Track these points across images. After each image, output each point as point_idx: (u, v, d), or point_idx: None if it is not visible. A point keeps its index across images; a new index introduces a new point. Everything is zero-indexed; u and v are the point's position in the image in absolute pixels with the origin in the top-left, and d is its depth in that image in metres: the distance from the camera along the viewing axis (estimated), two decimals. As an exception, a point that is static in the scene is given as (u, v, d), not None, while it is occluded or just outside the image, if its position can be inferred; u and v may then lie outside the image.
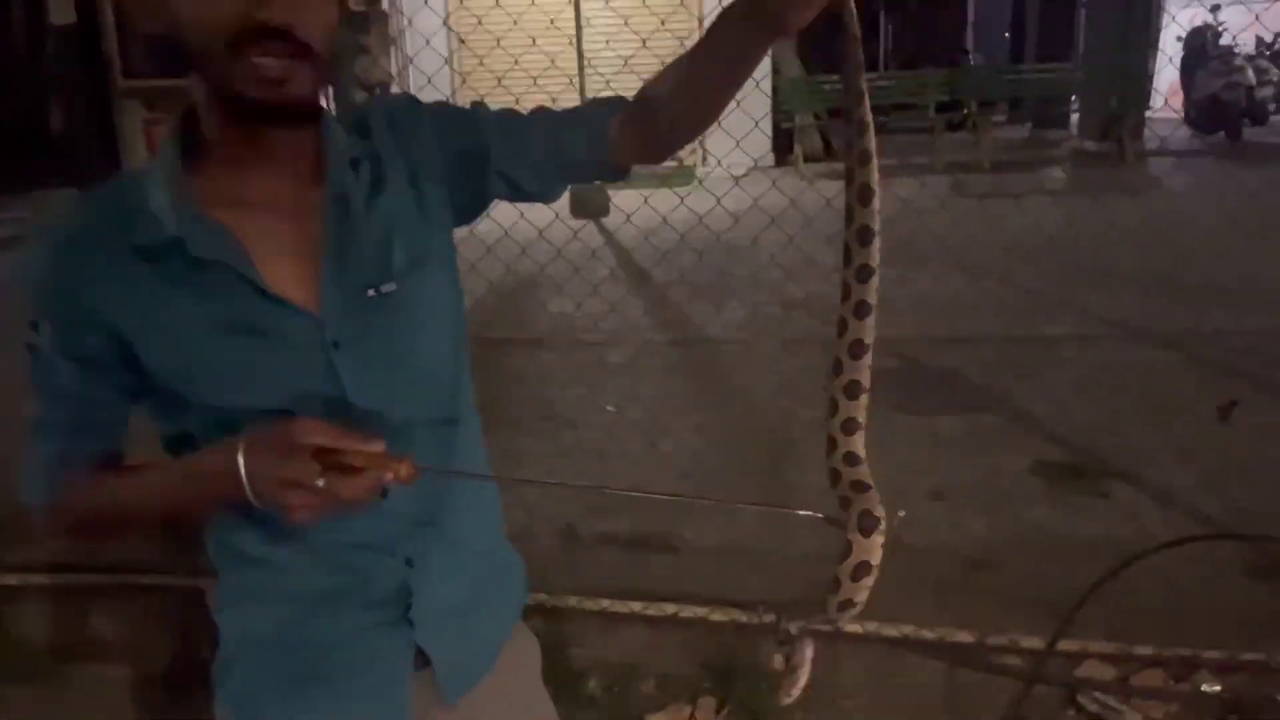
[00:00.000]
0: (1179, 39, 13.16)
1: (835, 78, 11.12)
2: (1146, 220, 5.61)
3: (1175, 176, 9.28)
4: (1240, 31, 12.54)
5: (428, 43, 2.50)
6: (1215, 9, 12.22)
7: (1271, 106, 13.25)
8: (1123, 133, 10.17)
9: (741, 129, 3.62)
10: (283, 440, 0.83)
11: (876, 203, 0.91)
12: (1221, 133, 12.10)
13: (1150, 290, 5.29)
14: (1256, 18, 11.18)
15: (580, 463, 3.53)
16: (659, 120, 1.01)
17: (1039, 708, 2.22)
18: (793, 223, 4.51)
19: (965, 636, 2.44)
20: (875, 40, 19.00)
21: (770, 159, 10.81)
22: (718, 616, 2.57)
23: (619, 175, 1.07)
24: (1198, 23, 13.02)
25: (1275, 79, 13.66)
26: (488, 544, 1.13)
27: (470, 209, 1.07)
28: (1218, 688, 2.26)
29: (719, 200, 4.01)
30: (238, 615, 1.04)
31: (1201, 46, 12.81)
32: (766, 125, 9.71)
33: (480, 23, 3.02)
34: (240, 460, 0.84)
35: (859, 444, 0.96)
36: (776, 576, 2.69)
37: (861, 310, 0.92)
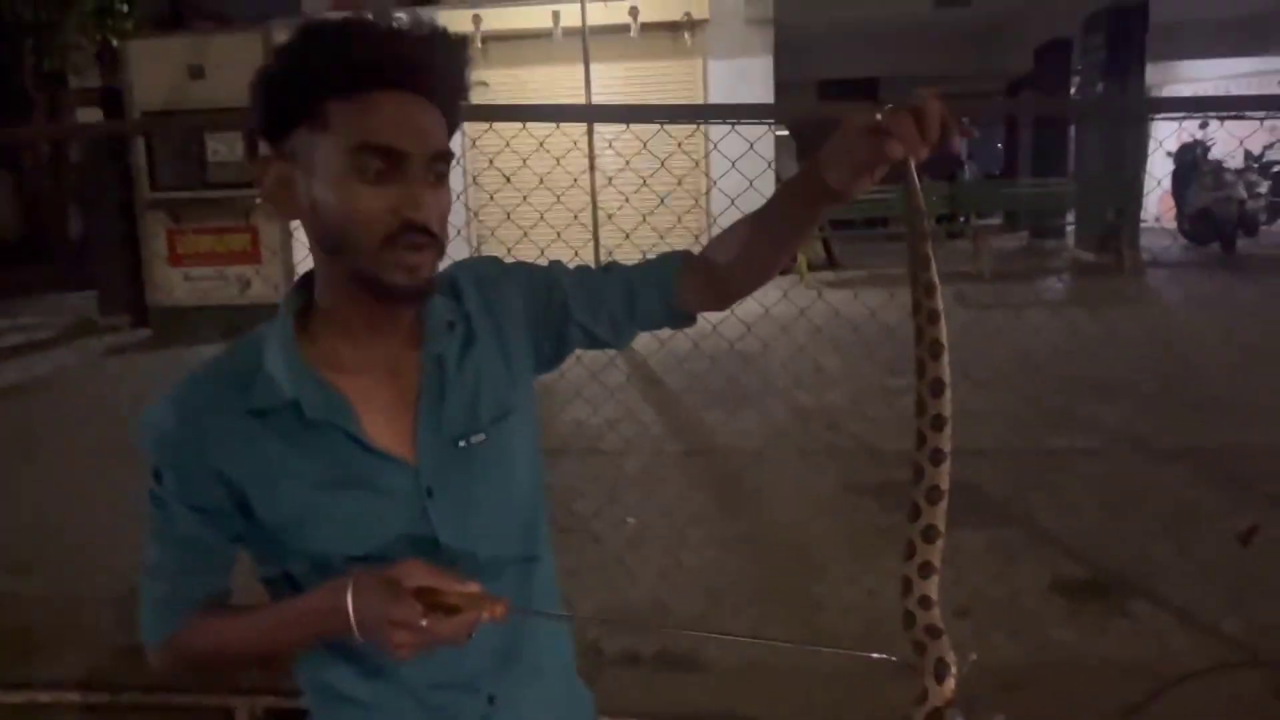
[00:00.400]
0: (1168, 154, 13.59)
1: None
2: (1148, 332, 5.72)
3: (1172, 288, 9.47)
4: (1228, 147, 12.97)
5: (458, 196, 2.60)
6: (1204, 125, 12.60)
7: (1262, 218, 13.61)
8: (1120, 244, 10.40)
9: None
10: (390, 582, 0.89)
11: (947, 357, 0.97)
12: (1215, 244, 12.38)
13: (1155, 403, 5.35)
14: (1240, 143, 11.54)
15: (609, 577, 3.52)
16: (725, 274, 1.12)
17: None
18: (802, 331, 4.60)
19: (996, 761, 2.42)
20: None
21: (776, 268, 11.04)
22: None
23: (687, 322, 1.17)
24: (1186, 139, 13.47)
25: (1265, 191, 14.05)
26: (563, 679, 1.16)
27: (552, 359, 1.16)
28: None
29: (732, 309, 4.10)
30: None
31: (1193, 161, 13.21)
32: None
33: (510, 180, 3.19)
34: (349, 600, 0.90)
35: (933, 588, 1.00)
36: (804, 694, 2.67)
37: (937, 457, 0.97)
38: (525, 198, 3.60)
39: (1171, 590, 3.23)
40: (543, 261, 1.19)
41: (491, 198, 3.56)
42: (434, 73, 0.95)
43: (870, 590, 3.34)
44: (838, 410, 5.53)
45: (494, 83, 8.89)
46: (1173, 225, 13.72)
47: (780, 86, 10.87)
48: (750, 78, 10.39)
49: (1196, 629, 2.97)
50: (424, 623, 0.88)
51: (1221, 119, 2.27)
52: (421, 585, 0.89)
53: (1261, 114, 2.49)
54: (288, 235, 8.03)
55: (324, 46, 0.92)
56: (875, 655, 1.02)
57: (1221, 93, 17.26)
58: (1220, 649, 2.81)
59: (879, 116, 0.92)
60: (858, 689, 2.60)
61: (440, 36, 0.96)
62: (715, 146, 2.92)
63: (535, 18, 9.47)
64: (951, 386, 0.98)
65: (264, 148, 0.99)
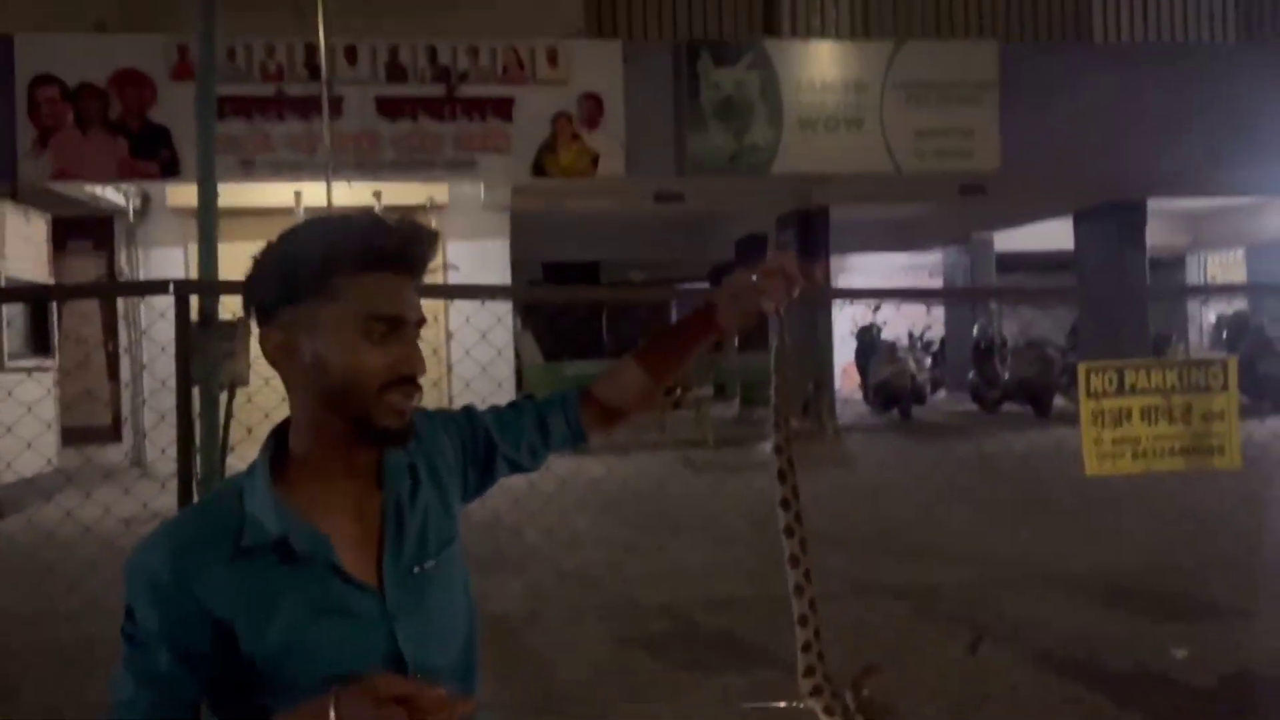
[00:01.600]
0: (852, 334, 15.58)
1: (573, 363, 12.16)
2: (856, 487, 6.53)
3: (868, 449, 10.72)
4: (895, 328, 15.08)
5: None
6: (876, 309, 14.62)
7: (928, 388, 15.77)
8: (821, 410, 11.69)
9: None
10: (371, 693, 1.03)
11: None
12: (894, 411, 14.17)
13: (873, 549, 6.09)
14: (909, 326, 13.49)
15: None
16: (618, 401, 1.46)
17: None
18: (536, 500, 4.89)
19: None
20: (599, 328, 20.75)
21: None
22: None
23: (584, 442, 1.49)
24: (862, 321, 15.57)
25: (928, 366, 16.34)
26: None
27: (479, 488, 1.40)
28: None
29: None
30: None
31: (871, 341, 15.22)
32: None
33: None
34: (331, 715, 1.02)
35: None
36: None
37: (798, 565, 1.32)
38: None
39: (906, 705, 3.72)
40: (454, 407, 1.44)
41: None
42: (420, 259, 1.20)
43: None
44: (598, 569, 5.82)
45: (236, 257, 8.80)
46: (855, 395, 15.60)
47: (514, 265, 11.55)
48: (489, 259, 10.98)
49: (932, 739, 3.44)
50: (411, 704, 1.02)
51: (930, 300, 2.89)
52: (400, 694, 1.03)
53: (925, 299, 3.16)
54: None
55: (341, 236, 1.15)
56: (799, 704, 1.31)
57: (886, 279, 20.11)
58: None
59: (754, 279, 1.32)
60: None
61: (425, 231, 1.21)
62: (450, 337, 3.24)
63: (278, 195, 9.57)
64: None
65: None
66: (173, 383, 3.51)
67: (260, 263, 1.17)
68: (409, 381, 1.17)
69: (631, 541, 6.41)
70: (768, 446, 1.42)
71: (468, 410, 1.40)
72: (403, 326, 1.17)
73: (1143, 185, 12.88)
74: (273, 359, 1.17)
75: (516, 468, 1.42)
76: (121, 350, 10.63)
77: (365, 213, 1.20)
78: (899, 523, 6.53)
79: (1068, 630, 4.54)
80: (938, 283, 18.51)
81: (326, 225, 1.18)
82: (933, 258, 18.63)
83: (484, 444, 1.37)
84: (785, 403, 1.39)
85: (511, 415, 1.42)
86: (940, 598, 5.14)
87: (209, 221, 2.56)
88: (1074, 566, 5.57)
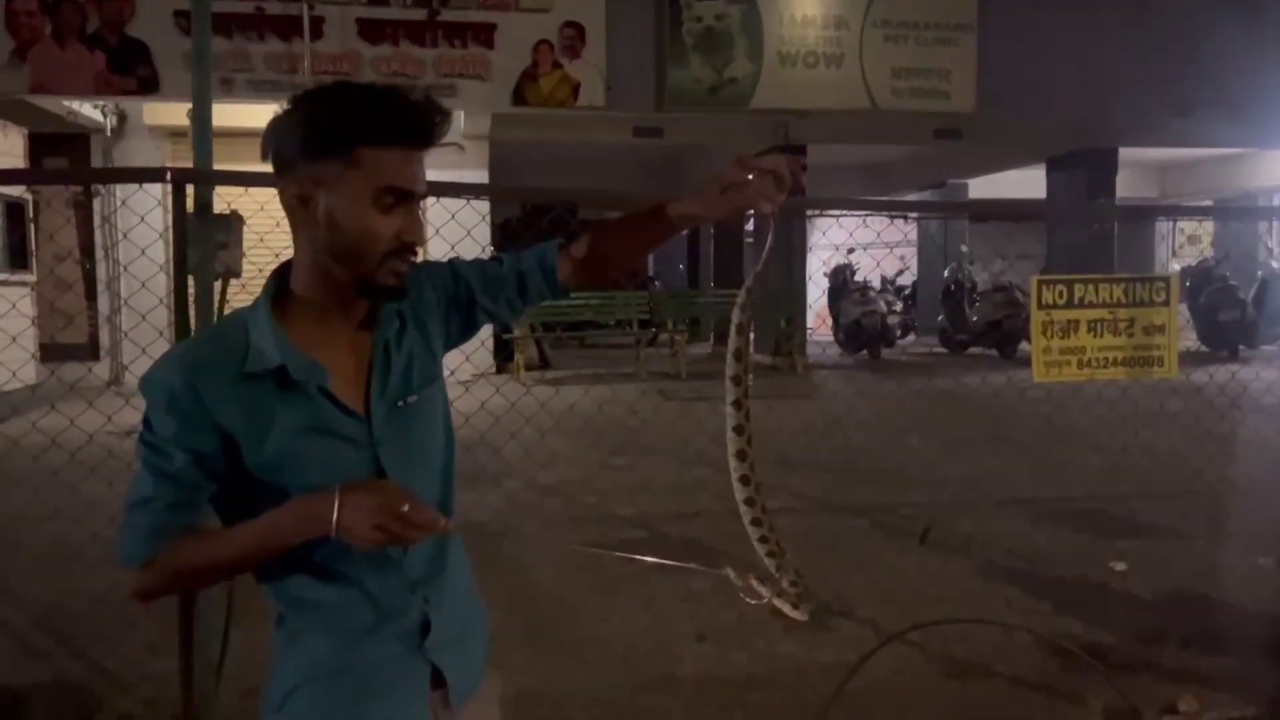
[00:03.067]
0: (824, 275, 15.73)
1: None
2: (822, 418, 6.74)
3: (836, 385, 10.96)
4: (870, 270, 15.27)
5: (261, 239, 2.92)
6: (850, 251, 14.75)
7: (898, 331, 16.01)
8: (792, 348, 11.91)
9: (469, 345, 4.19)
10: (380, 498, 1.20)
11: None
12: (864, 351, 14.41)
13: (835, 473, 6.33)
14: (879, 264, 13.67)
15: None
16: (592, 261, 1.51)
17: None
18: (516, 422, 5.03)
19: (747, 741, 2.93)
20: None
21: (493, 367, 11.55)
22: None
23: (563, 295, 1.56)
24: (836, 263, 15.70)
25: (899, 309, 16.55)
26: (467, 590, 1.49)
27: (462, 337, 1.53)
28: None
29: (452, 403, 4.49)
30: (302, 648, 1.34)
31: (844, 282, 15.38)
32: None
33: (279, 224, 3.44)
34: (335, 502, 1.19)
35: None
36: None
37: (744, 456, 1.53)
38: (277, 255, 3.83)
39: (861, 609, 3.96)
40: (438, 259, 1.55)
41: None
42: (435, 134, 1.31)
43: (618, 626, 3.80)
44: (571, 485, 6.02)
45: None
46: (827, 336, 15.82)
47: (491, 201, 11.54)
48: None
49: (881, 633, 3.67)
50: (406, 507, 1.18)
51: (893, 217, 3.04)
52: (399, 500, 1.20)
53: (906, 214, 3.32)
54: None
55: (370, 107, 1.25)
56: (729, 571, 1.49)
57: (860, 224, 20.20)
58: (902, 648, 3.52)
59: (750, 177, 1.36)
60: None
61: (442, 108, 1.32)
62: (438, 231, 3.35)
63: (255, 116, 9.50)
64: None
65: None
66: (153, 284, 3.62)
67: (287, 115, 1.28)
68: (410, 249, 1.30)
69: (604, 461, 6.62)
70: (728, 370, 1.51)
71: (451, 264, 1.51)
72: (410, 199, 1.29)
73: (1114, 134, 13.05)
74: (288, 208, 1.30)
75: (494, 319, 1.54)
76: (100, 255, 10.59)
77: (389, 86, 1.29)
78: (860, 450, 6.77)
79: (1014, 546, 4.80)
80: (912, 230, 18.67)
81: (354, 92, 1.27)
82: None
83: (466, 297, 1.48)
84: (746, 336, 1.48)
85: (493, 270, 1.51)
86: (896, 515, 5.39)
87: (204, 109, 2.64)
88: (1024, 492, 5.84)
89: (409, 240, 1.29)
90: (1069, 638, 3.59)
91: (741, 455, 1.53)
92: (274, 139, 1.29)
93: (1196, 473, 4.98)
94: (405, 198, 1.28)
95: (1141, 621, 3.86)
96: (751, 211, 1.41)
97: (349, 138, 1.24)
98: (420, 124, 1.28)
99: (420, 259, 1.39)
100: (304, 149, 1.26)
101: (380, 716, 1.34)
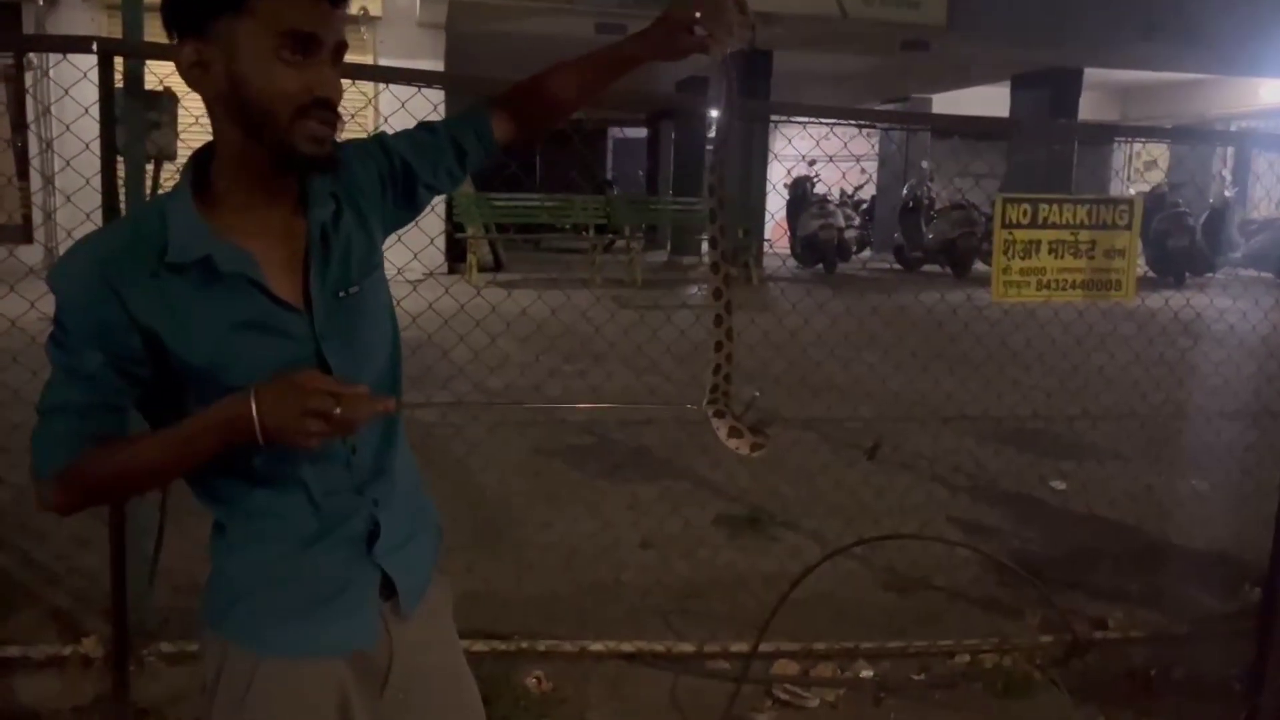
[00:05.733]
0: (784, 186, 15.58)
1: (505, 196, 11.99)
2: (773, 331, 6.70)
3: (791, 297, 10.93)
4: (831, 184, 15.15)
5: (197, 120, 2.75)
6: (813, 163, 14.62)
7: (855, 247, 16.00)
8: (749, 259, 11.84)
9: (418, 242, 4.03)
10: (296, 384, 1.08)
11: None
12: (819, 266, 14.40)
13: (785, 385, 6.33)
14: (844, 175, 13.55)
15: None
16: (536, 108, 1.44)
17: (746, 705, 2.74)
18: (466, 325, 4.92)
19: (687, 647, 2.94)
20: (531, 168, 20.38)
21: (445, 268, 11.32)
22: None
23: (499, 154, 1.47)
24: (797, 174, 15.54)
25: (857, 224, 16.52)
26: (415, 488, 1.41)
27: (403, 218, 1.41)
28: (871, 672, 2.93)
29: (399, 303, 4.37)
30: (243, 558, 1.25)
31: (803, 194, 15.26)
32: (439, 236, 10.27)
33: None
34: (253, 405, 1.08)
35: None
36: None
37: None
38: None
39: (805, 520, 3.99)
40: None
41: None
42: None
43: (563, 532, 3.79)
44: (520, 390, 5.96)
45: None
46: (784, 250, 15.77)
47: (447, 95, 11.17)
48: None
49: (824, 545, 3.70)
50: (337, 411, 1.08)
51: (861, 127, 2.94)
52: (322, 388, 1.09)
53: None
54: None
55: None
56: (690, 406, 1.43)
57: (826, 134, 20.01)
58: (844, 561, 3.55)
59: (698, 15, 1.29)
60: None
61: None
62: (386, 120, 3.20)
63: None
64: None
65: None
66: (81, 164, 3.42)
67: None
68: (325, 107, 1.16)
69: (555, 367, 6.55)
70: (704, 258, 1.45)
71: (380, 139, 1.39)
72: (318, 48, 1.14)
73: (1080, 54, 12.94)
74: (188, 78, 1.16)
75: (434, 191, 1.42)
76: (30, 131, 10.10)
77: None
78: (811, 364, 6.74)
79: (960, 462, 4.87)
80: (874, 143, 18.52)
81: None
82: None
83: (402, 171, 1.37)
84: (724, 216, 1.39)
85: (426, 139, 1.40)
86: (843, 429, 5.42)
87: (135, -24, 2.45)
88: (971, 410, 5.90)
89: (321, 95, 1.14)
90: (1008, 554, 3.65)
91: (718, 294, 1.46)
92: (167, 3, 1.15)
93: (1141, 397, 5.05)
94: (311, 45, 1.13)
95: (1077, 540, 3.95)
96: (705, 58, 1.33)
97: None
98: None
99: (344, 134, 1.26)
100: (196, 5, 1.13)
101: (328, 626, 1.27)
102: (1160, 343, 5.25)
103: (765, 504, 4.14)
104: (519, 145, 1.48)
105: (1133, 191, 16.51)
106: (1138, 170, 19.94)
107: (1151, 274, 13.62)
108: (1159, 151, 19.50)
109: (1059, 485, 4.55)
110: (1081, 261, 2.97)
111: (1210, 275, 13.74)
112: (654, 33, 1.35)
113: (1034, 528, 4.04)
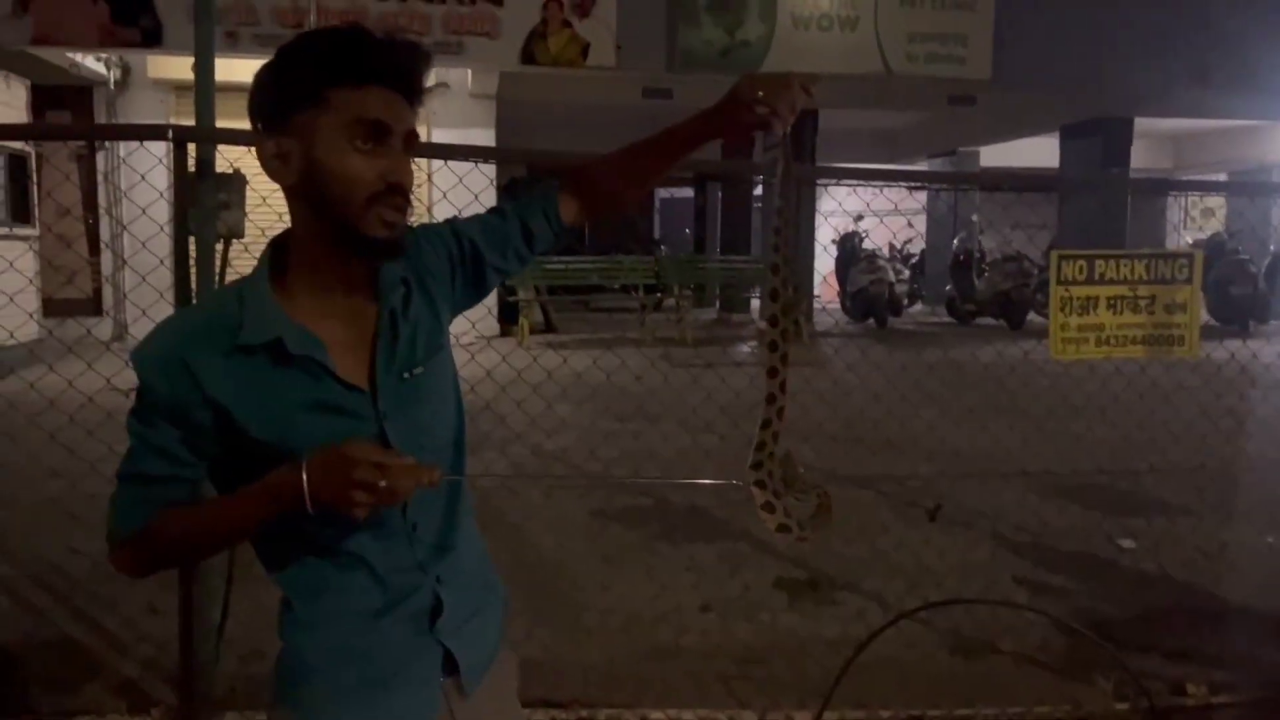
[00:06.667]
0: (832, 242, 15.60)
1: (557, 258, 12.15)
2: (826, 387, 6.66)
3: (843, 353, 10.87)
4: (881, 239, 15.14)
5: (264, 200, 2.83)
6: (859, 219, 14.62)
7: (906, 301, 15.92)
8: (798, 316, 11.82)
9: (474, 310, 4.10)
10: (347, 455, 1.12)
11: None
12: (871, 319, 14.33)
13: (841, 443, 6.29)
14: (894, 235, 13.51)
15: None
16: (604, 191, 1.48)
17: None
18: (522, 390, 4.97)
19: (750, 715, 2.89)
20: (581, 231, 20.60)
21: (496, 329, 11.47)
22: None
23: (570, 236, 1.52)
24: (845, 231, 15.56)
25: (907, 278, 16.46)
26: (481, 564, 1.44)
27: (472, 299, 1.46)
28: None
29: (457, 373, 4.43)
30: (309, 635, 1.28)
31: (852, 249, 15.25)
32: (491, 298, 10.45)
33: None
34: (304, 474, 1.12)
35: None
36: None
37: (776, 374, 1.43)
38: (281, 216, 3.76)
39: (867, 582, 3.92)
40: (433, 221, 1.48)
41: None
42: (408, 71, 1.23)
43: (622, 595, 3.77)
44: (577, 453, 5.98)
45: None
46: (833, 304, 15.73)
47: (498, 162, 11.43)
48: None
49: (887, 608, 3.64)
50: (383, 483, 1.11)
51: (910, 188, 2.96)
52: (371, 459, 1.12)
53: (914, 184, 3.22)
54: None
55: (332, 48, 1.19)
56: (735, 482, 1.43)
57: (872, 191, 20.04)
58: (907, 624, 3.47)
59: (760, 94, 1.32)
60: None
61: (413, 45, 1.24)
62: (444, 195, 3.29)
63: (259, 72, 9.37)
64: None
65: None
66: (155, 244, 3.55)
67: (259, 76, 1.23)
68: (397, 193, 1.21)
69: (609, 428, 6.58)
70: (760, 322, 1.47)
71: (451, 224, 1.44)
72: (389, 136, 1.20)
73: (1130, 102, 12.86)
74: (268, 169, 1.23)
75: (504, 274, 1.47)
76: (102, 212, 10.50)
77: (355, 25, 1.22)
78: (866, 420, 6.71)
79: (1024, 520, 4.76)
80: (923, 197, 18.50)
81: (317, 37, 1.22)
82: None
83: (471, 255, 1.41)
84: (786, 270, 1.40)
85: (495, 223, 1.45)
86: (903, 487, 5.35)
87: (207, 65, 2.56)
88: (1032, 465, 5.78)
89: (394, 181, 1.20)
90: (1077, 616, 3.55)
91: (773, 372, 1.45)
92: (252, 102, 1.23)
93: (1210, 450, 4.92)
94: (382, 133, 1.20)
95: (1150, 600, 3.83)
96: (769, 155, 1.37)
97: (316, 82, 1.19)
98: (388, 59, 1.21)
99: (416, 218, 1.31)
100: (276, 103, 1.21)
101: (391, 703, 1.29)
102: (1228, 395, 5.13)
103: (825, 566, 4.09)
104: (587, 221, 1.52)
105: (1190, 240, 16.25)
106: (1193, 220, 19.64)
107: (1214, 322, 13.34)
108: (1216, 201, 19.21)
109: (1128, 543, 4.43)
110: (1141, 317, 2.93)
111: (1276, 323, 13.42)
112: (718, 111, 1.38)
113: (1103, 588, 3.93)
